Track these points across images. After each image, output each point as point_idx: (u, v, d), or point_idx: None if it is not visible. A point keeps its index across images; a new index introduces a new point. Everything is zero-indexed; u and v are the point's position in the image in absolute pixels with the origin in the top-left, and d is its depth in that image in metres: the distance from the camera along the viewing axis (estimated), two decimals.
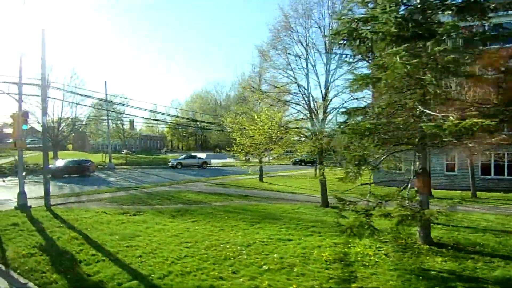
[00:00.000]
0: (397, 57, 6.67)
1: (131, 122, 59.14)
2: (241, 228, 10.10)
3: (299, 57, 13.57)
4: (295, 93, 13.44)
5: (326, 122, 13.38)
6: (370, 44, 7.54)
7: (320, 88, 13.24)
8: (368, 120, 8.30)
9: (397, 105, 8.14)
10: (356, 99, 13.43)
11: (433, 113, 7.44)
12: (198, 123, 78.84)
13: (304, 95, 13.43)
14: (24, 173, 13.86)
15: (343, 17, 7.69)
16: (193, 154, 47.95)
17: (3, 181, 22.86)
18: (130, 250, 7.67)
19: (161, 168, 38.37)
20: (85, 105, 37.42)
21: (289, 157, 29.35)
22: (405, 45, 6.75)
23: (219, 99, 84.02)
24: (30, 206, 13.19)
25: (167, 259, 7.10)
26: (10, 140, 12.89)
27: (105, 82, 34.54)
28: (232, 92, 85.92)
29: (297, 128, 13.03)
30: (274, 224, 10.64)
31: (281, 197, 16.80)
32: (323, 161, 13.87)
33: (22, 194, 13.11)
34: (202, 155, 58.64)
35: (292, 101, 13.34)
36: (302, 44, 13.57)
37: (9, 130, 60.51)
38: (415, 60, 6.59)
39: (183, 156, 42.47)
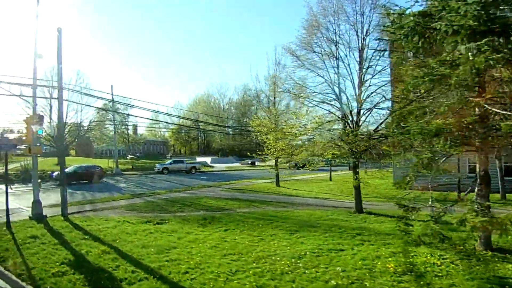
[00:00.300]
0: (472, 51, 5.98)
1: (135, 127, 58.58)
2: (282, 238, 9.28)
3: (330, 56, 12.84)
4: (326, 93, 12.70)
5: (359, 124, 12.59)
6: (435, 39, 6.84)
7: (354, 88, 12.49)
8: (423, 120, 7.60)
9: (463, 103, 7.41)
10: (388, 99, 12.69)
11: (506, 112, 6.75)
12: (201, 127, 78.26)
13: (336, 96, 12.70)
14: (38, 180, 12.99)
15: (406, 12, 6.96)
16: (180, 158, 44.81)
17: (11, 188, 21.96)
18: (173, 265, 6.84)
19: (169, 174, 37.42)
20: (94, 107, 36.34)
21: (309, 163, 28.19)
22: (486, 39, 6.02)
23: (222, 103, 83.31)
24: (46, 216, 12.34)
25: (219, 275, 6.28)
26: (23, 146, 11.96)
27: (112, 86, 33.70)
28: (235, 95, 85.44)
29: (329, 130, 12.25)
30: (314, 233, 9.83)
31: (307, 203, 15.96)
32: (357, 165, 13.06)
33: (36, 203, 12.23)
34: (207, 159, 57.99)
35: (324, 101, 12.59)
36: (332, 42, 12.85)
37: (11, 136, 59.67)
38: (499, 55, 5.88)
39: (169, 161, 39.84)
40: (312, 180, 28.55)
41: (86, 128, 40.28)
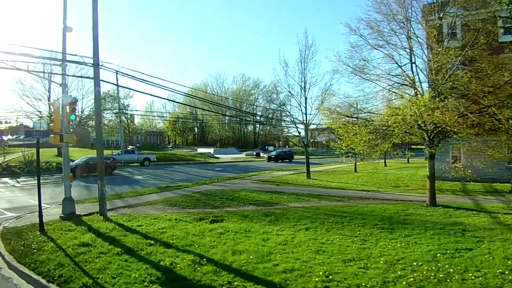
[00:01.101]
0: None
1: (132, 117, 55.86)
2: (385, 237, 7.84)
3: (401, 33, 11.30)
4: (397, 74, 11.18)
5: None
6: None
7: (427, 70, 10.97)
8: None
9: None
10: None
11: None
12: (200, 117, 75.87)
13: (407, 76, 11.22)
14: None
15: None
16: (132, 148, 39.22)
17: (18, 182, 19.85)
18: (301, 279, 5.28)
19: (178, 164, 35.55)
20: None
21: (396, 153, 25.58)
22: None
23: (219, 91, 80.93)
24: (80, 215, 10.59)
25: None
26: (51, 135, 10.07)
27: (116, 72, 31.04)
28: (234, 85, 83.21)
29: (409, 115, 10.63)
30: (412, 230, 8.44)
31: (361, 196, 14.45)
32: (434, 154, 11.63)
33: (69, 201, 10.45)
34: (209, 150, 56.15)
35: (399, 82, 11.08)
36: (401, 15, 11.30)
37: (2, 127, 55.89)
38: None
39: (118, 152, 34.03)
40: (336, 172, 27.19)
41: (86, 116, 37.72)
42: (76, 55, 9.70)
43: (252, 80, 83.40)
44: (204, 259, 6.23)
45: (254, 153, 53.48)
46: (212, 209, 11.86)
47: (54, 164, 26.12)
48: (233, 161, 43.15)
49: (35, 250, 7.05)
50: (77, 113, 35.34)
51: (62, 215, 10.28)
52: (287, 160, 43.98)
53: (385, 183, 19.21)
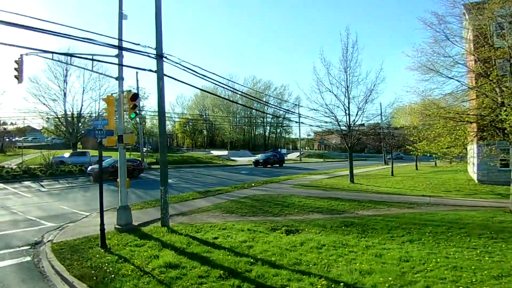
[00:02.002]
0: None
1: (144, 118, 54.76)
2: (503, 248, 6.94)
3: None
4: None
5: None
6: None
7: None
8: None
9: None
10: None
11: None
12: (210, 119, 74.80)
13: None
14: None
15: None
16: (84, 150, 33.74)
17: (42, 186, 18.71)
18: None
19: (199, 167, 34.35)
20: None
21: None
22: None
23: (231, 95, 79.74)
24: (137, 226, 9.42)
25: None
26: (105, 137, 8.87)
27: (136, 72, 30.14)
28: (244, 88, 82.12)
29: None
30: None
31: (428, 202, 13.07)
32: None
33: (125, 210, 9.26)
34: (223, 153, 54.91)
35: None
36: None
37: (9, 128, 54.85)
38: None
39: (67, 154, 30.02)
40: (371, 176, 25.95)
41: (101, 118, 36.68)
42: (138, 44, 8.52)
43: (263, 82, 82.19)
44: (341, 284, 5.05)
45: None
46: (274, 217, 10.71)
47: (74, 166, 24.99)
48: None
49: (112, 275, 5.75)
50: (90, 112, 33.86)
51: (118, 226, 9.10)
52: (277, 165, 36.72)
53: (434, 188, 17.95)
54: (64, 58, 13.56)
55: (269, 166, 35.55)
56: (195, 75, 9.80)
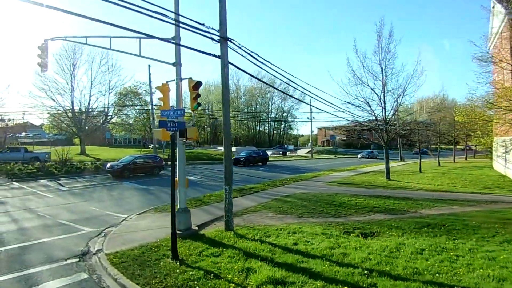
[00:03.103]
0: None
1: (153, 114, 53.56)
2: None
3: None
4: None
5: None
6: None
7: None
8: None
9: None
10: None
11: None
12: (214, 115, 73.65)
13: None
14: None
15: None
16: (18, 146, 29.56)
17: (61, 184, 17.61)
18: None
19: (213, 164, 33.31)
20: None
21: None
22: None
23: (235, 90, 78.61)
24: (198, 230, 8.46)
25: None
26: (159, 129, 7.71)
27: (149, 65, 28.98)
28: (248, 83, 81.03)
29: None
30: None
31: (485, 199, 12.22)
32: None
33: (185, 213, 8.28)
34: (232, 149, 53.89)
35: None
36: None
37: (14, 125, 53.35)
38: None
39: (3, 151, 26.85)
40: (397, 172, 25.14)
41: (110, 114, 35.56)
42: (203, 24, 7.44)
43: (268, 78, 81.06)
44: None
45: (280, 152, 51.17)
46: (334, 219, 9.80)
47: (89, 163, 23.89)
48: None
49: None
50: (97, 108, 32.88)
51: (178, 231, 8.08)
52: (260, 163, 33.06)
53: (473, 185, 17.18)
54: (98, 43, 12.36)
55: (250, 164, 31.80)
56: (254, 63, 8.80)
